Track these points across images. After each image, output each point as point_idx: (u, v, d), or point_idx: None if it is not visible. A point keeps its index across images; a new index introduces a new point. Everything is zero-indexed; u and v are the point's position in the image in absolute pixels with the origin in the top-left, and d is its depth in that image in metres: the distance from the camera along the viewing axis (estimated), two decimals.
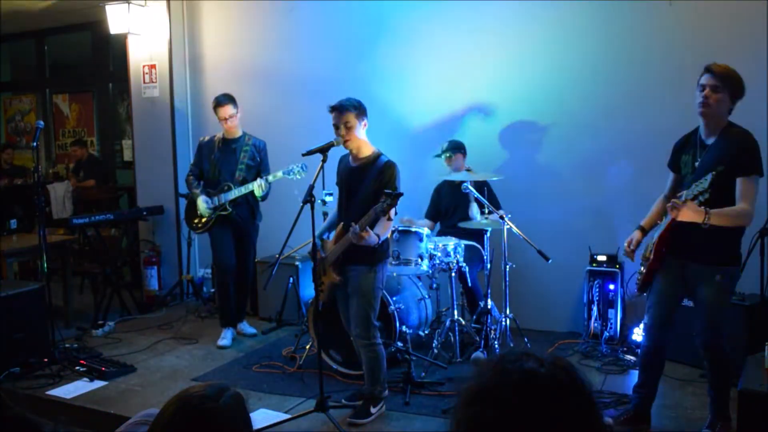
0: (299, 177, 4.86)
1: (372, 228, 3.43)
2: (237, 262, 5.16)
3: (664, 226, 3.16)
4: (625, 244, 3.41)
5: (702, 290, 3.14)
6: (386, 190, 3.35)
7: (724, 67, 3.06)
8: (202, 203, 5.00)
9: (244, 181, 4.98)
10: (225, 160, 5.05)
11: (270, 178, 4.90)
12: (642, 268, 3.40)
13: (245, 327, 5.33)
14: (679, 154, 3.33)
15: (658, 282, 3.28)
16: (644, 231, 3.41)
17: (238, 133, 5.10)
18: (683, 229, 3.03)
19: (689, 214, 2.89)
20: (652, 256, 3.23)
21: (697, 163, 3.15)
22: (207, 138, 5.23)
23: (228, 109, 4.96)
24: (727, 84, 3.03)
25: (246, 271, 5.26)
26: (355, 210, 3.57)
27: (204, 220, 5.07)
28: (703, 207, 2.88)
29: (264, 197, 4.98)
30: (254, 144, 5.11)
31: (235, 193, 4.94)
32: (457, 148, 4.86)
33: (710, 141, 3.13)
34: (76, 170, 7.88)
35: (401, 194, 3.32)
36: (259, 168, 5.12)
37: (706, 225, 2.88)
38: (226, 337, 5.07)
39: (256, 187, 4.87)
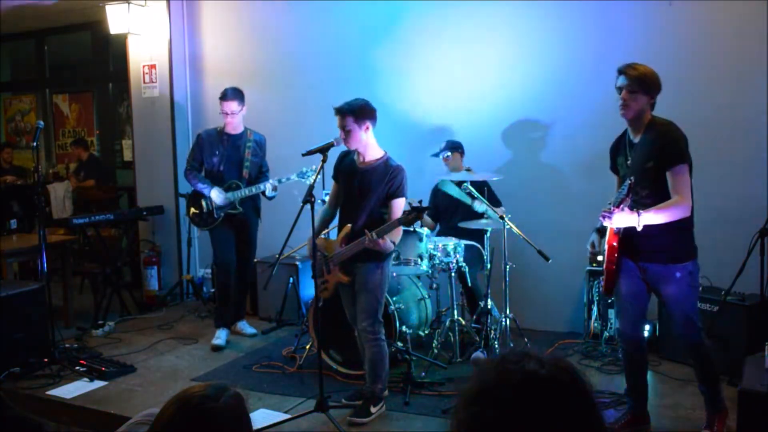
0: (309, 181, 4.79)
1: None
2: (238, 260, 5.12)
3: (607, 233, 3.17)
4: (589, 248, 3.46)
5: (665, 290, 3.16)
6: (414, 204, 3.38)
7: (635, 68, 3.11)
8: (218, 196, 4.86)
9: (251, 178, 4.95)
10: (230, 157, 4.96)
11: (283, 180, 4.89)
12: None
13: (245, 326, 5.29)
14: (614, 156, 3.38)
15: (621, 285, 3.29)
16: (602, 232, 3.41)
17: (241, 129, 5.02)
18: (631, 233, 3.05)
19: (621, 220, 2.95)
20: (605, 263, 3.23)
21: (629, 163, 3.19)
22: (209, 130, 5.13)
23: (232, 105, 4.87)
24: (641, 84, 3.07)
25: (247, 270, 5.21)
26: (362, 213, 3.59)
27: (215, 216, 4.95)
28: (634, 210, 2.93)
29: (273, 197, 4.96)
30: (255, 139, 5.05)
31: (246, 192, 4.89)
32: (454, 148, 4.87)
33: (637, 139, 3.17)
34: (77, 171, 7.88)
35: (428, 208, 3.35)
36: (261, 163, 5.08)
37: (640, 227, 2.91)
38: (220, 337, 5.02)
39: (270, 188, 4.85)
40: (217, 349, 4.93)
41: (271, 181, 4.88)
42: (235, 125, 4.95)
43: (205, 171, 5.01)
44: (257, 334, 5.22)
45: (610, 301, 4.74)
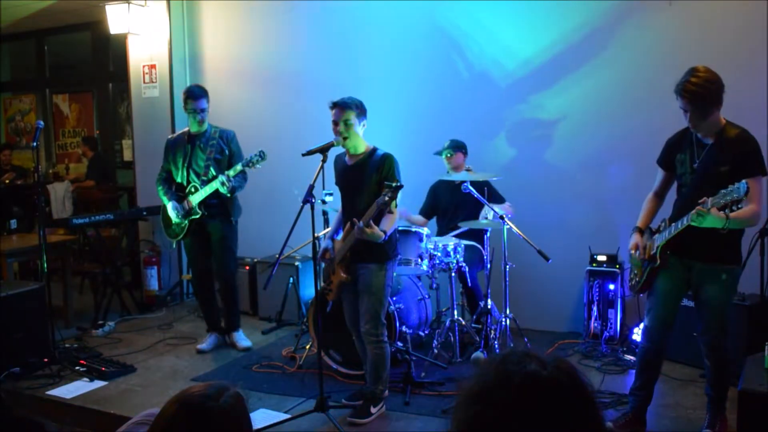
0: (260, 166, 4.57)
1: (377, 224, 3.46)
2: (217, 268, 4.89)
3: (675, 231, 3.09)
4: (633, 251, 3.33)
5: (708, 290, 3.14)
6: (386, 182, 3.36)
7: (693, 85, 2.96)
8: (172, 211, 4.71)
9: (213, 179, 4.66)
10: (193, 158, 4.74)
11: (230, 172, 4.56)
12: (635, 270, 3.38)
13: (240, 338, 4.97)
14: (672, 152, 3.29)
15: (660, 283, 3.26)
16: (642, 232, 3.38)
17: (204, 127, 4.77)
18: (689, 229, 3.01)
19: (712, 220, 2.84)
20: (659, 260, 3.20)
21: (696, 164, 3.14)
22: (175, 135, 4.94)
23: (201, 102, 4.70)
24: (705, 101, 2.97)
25: (226, 277, 4.92)
26: (359, 206, 3.58)
27: (182, 226, 4.77)
28: (723, 212, 2.81)
29: (232, 191, 4.64)
30: (221, 136, 4.78)
31: (201, 194, 4.65)
32: (457, 147, 4.86)
33: (708, 141, 3.12)
34: (89, 172, 7.88)
35: (402, 186, 3.33)
36: (231, 161, 4.77)
37: (725, 230, 2.86)
38: (206, 341, 4.91)
39: (219, 184, 4.54)
40: (201, 353, 4.84)
41: (220, 176, 4.55)
42: (202, 124, 4.75)
43: (173, 176, 4.85)
44: (251, 348, 4.90)
45: (610, 300, 4.75)
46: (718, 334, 3.16)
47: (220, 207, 4.78)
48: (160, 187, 4.85)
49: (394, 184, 3.31)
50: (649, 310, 3.33)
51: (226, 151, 4.78)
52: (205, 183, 4.66)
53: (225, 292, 4.97)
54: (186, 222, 4.74)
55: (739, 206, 2.81)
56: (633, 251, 3.35)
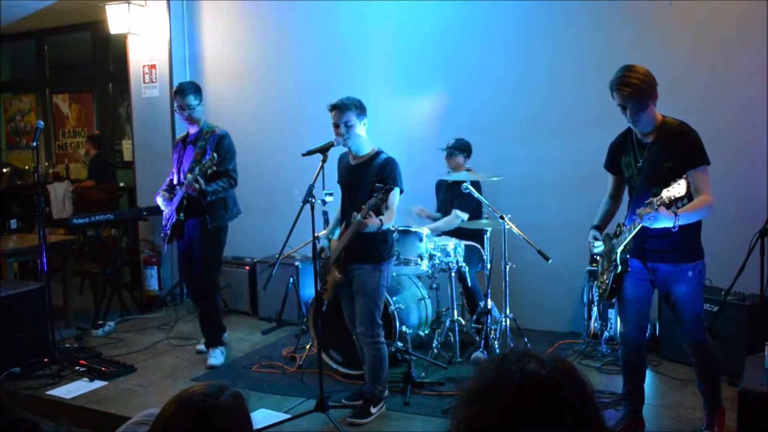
0: (210, 171, 4.19)
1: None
2: (195, 282, 4.62)
3: (630, 236, 3.08)
4: (593, 240, 3.34)
5: (676, 290, 3.14)
6: (377, 184, 3.37)
7: (629, 81, 2.97)
8: (161, 201, 4.58)
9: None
10: (183, 161, 4.56)
11: (189, 177, 4.21)
12: (601, 277, 3.37)
13: (213, 354, 4.61)
14: (617, 155, 3.30)
15: (628, 288, 3.25)
16: (600, 229, 3.38)
17: (195, 129, 4.55)
18: (645, 232, 3.02)
19: (663, 220, 2.85)
20: (620, 266, 3.18)
21: (639, 164, 3.14)
22: (181, 136, 4.77)
23: (187, 99, 4.41)
24: (643, 96, 2.97)
25: (202, 288, 4.59)
26: (358, 208, 3.58)
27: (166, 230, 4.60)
28: (671, 210, 2.85)
29: (203, 194, 4.24)
30: (210, 138, 4.48)
31: (176, 200, 4.43)
32: (458, 148, 4.85)
33: (648, 139, 3.12)
34: (90, 171, 7.89)
35: (392, 188, 3.34)
36: (220, 165, 4.35)
37: (675, 228, 2.86)
38: (214, 356, 4.63)
39: (187, 186, 4.20)
40: (199, 352, 4.79)
41: (189, 175, 4.23)
42: (187, 122, 4.52)
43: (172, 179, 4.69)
44: (218, 367, 4.55)
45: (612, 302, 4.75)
46: (696, 330, 3.16)
47: (199, 210, 4.41)
48: (162, 187, 4.74)
49: (384, 186, 3.33)
50: (622, 316, 3.35)
51: (215, 155, 4.29)
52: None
53: (201, 305, 4.70)
54: (169, 226, 4.56)
55: (684, 202, 2.84)
56: (593, 240, 3.33)
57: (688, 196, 2.92)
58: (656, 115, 3.09)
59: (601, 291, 3.41)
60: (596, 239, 3.34)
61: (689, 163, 2.97)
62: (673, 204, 2.83)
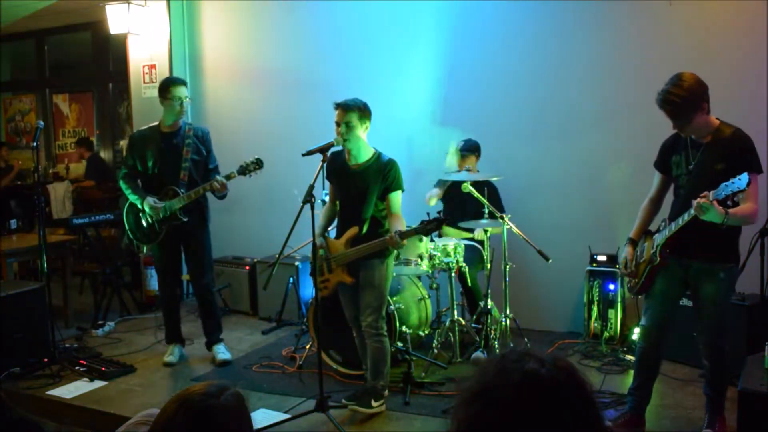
0: (257, 173, 4.35)
1: (389, 225, 3.62)
2: (196, 278, 4.62)
3: (675, 228, 3.09)
4: (622, 266, 3.38)
5: (706, 289, 3.14)
6: (438, 216, 3.46)
7: (672, 96, 2.97)
8: (150, 210, 4.33)
9: (192, 181, 4.40)
10: (166, 158, 4.40)
11: (222, 178, 4.30)
12: (637, 270, 3.37)
13: (218, 351, 4.65)
14: (668, 154, 3.30)
15: (659, 284, 3.26)
16: (634, 243, 3.39)
17: (179, 124, 4.45)
18: (688, 228, 3.02)
19: (713, 214, 2.83)
20: (659, 259, 3.19)
21: (691, 165, 3.14)
22: (142, 130, 4.54)
23: (185, 90, 4.41)
24: (687, 108, 2.98)
25: (204, 287, 4.63)
26: (364, 214, 3.63)
27: (156, 230, 4.43)
28: (722, 207, 2.83)
29: (223, 196, 4.41)
30: (196, 135, 4.46)
31: (185, 199, 4.33)
32: (470, 150, 4.84)
33: (703, 141, 3.12)
34: (87, 172, 7.88)
35: (446, 220, 3.46)
36: (206, 161, 4.50)
37: (724, 226, 2.86)
38: (173, 354, 4.65)
39: (218, 186, 4.27)
40: (169, 366, 4.59)
41: (218, 177, 4.30)
42: (174, 120, 4.43)
43: (140, 176, 4.49)
44: (230, 362, 4.63)
45: (610, 300, 4.75)
46: (716, 333, 3.16)
47: (199, 213, 4.51)
48: (127, 184, 4.46)
49: (440, 218, 3.43)
50: (647, 310, 3.34)
51: (203, 152, 4.48)
52: (185, 186, 4.37)
53: (207, 305, 4.69)
54: (165, 227, 4.41)
55: (737, 201, 2.83)
56: (622, 267, 3.38)
57: (735, 201, 2.91)
58: (710, 120, 3.09)
59: (631, 284, 3.41)
60: (625, 265, 3.37)
61: (741, 167, 2.91)
62: (728, 199, 2.82)
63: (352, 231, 3.67)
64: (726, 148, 3.03)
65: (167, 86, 4.39)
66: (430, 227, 3.43)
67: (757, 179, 3.01)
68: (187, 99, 4.45)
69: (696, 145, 3.14)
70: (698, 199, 2.86)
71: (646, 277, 3.27)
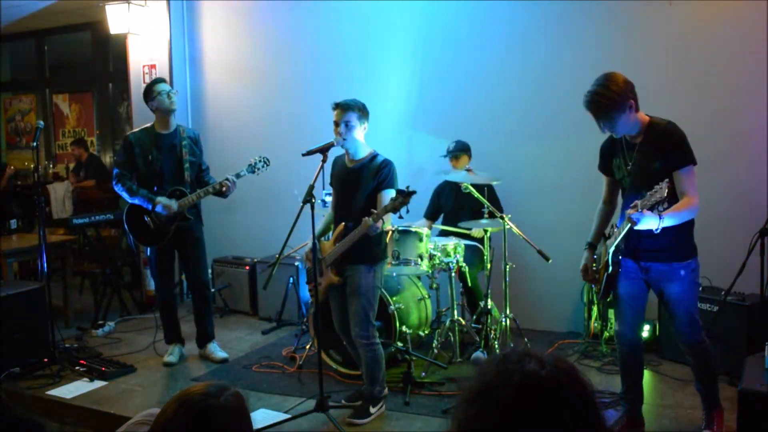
0: (264, 171, 4.45)
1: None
2: (193, 277, 4.67)
3: (620, 238, 3.08)
4: (582, 273, 3.37)
5: (669, 288, 3.14)
6: (399, 189, 3.38)
7: (595, 98, 2.96)
8: (167, 205, 4.33)
9: (192, 182, 4.46)
10: (167, 159, 4.43)
11: (233, 177, 4.37)
12: (597, 276, 3.37)
13: (215, 350, 4.71)
14: (608, 157, 3.31)
15: (622, 287, 3.25)
16: (594, 247, 3.40)
17: (173, 125, 4.49)
18: (636, 232, 3.01)
19: (646, 222, 2.85)
20: (612, 267, 3.19)
21: (629, 166, 3.14)
22: (136, 132, 4.57)
23: (166, 84, 4.44)
24: (612, 108, 2.96)
25: (203, 285, 4.68)
26: (354, 210, 3.59)
27: (161, 229, 4.41)
28: (654, 211, 2.85)
29: (228, 194, 4.47)
30: (189, 136, 4.54)
31: (194, 197, 4.37)
32: (462, 150, 4.86)
33: (637, 141, 3.12)
34: (76, 170, 7.89)
35: (414, 192, 3.34)
36: (199, 162, 4.59)
37: (658, 230, 2.86)
38: (173, 354, 4.68)
39: (231, 184, 4.34)
40: (168, 365, 4.60)
41: (229, 176, 4.34)
42: (168, 121, 4.45)
43: (140, 178, 4.48)
44: (227, 360, 4.68)
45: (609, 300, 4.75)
46: (691, 329, 3.16)
47: (197, 214, 4.60)
48: (125, 186, 4.42)
49: (407, 191, 3.33)
50: (617, 315, 3.35)
51: (197, 153, 4.58)
52: (189, 187, 4.41)
53: (202, 303, 4.71)
54: (173, 226, 4.42)
55: (665, 206, 2.85)
56: (582, 273, 3.38)
57: (670, 199, 2.91)
58: (639, 117, 3.08)
59: (596, 290, 3.42)
60: (585, 270, 3.37)
61: (675, 164, 2.98)
62: (657, 206, 2.84)
63: (339, 228, 3.67)
64: (659, 146, 3.03)
65: (149, 87, 4.44)
66: (397, 203, 3.32)
67: (692, 170, 3.01)
68: (174, 91, 4.46)
69: (630, 146, 3.15)
70: (628, 211, 2.89)
71: (606, 282, 3.26)
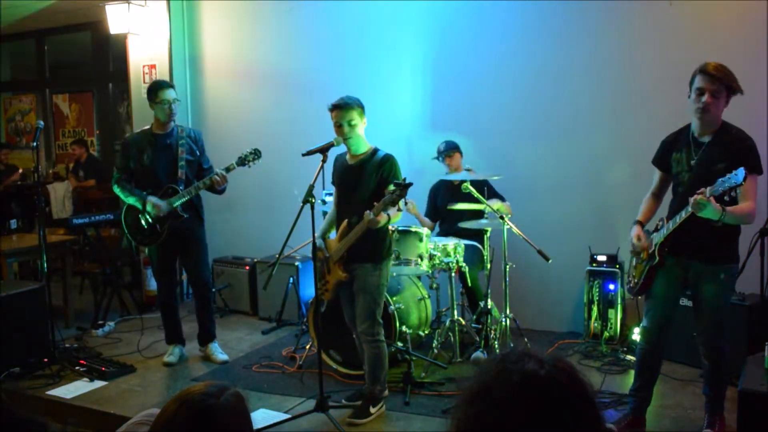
0: (255, 164, 4.41)
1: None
2: (194, 276, 4.68)
3: (673, 226, 3.09)
4: (635, 239, 3.30)
5: (705, 289, 3.14)
6: (395, 181, 3.38)
7: (718, 67, 3.02)
8: (152, 209, 4.33)
9: (188, 180, 4.44)
10: (161, 158, 4.43)
11: (223, 171, 4.34)
12: (634, 271, 3.37)
13: (216, 350, 4.71)
14: (668, 151, 3.30)
15: (658, 284, 3.26)
16: (642, 225, 3.38)
17: (170, 126, 4.50)
18: (687, 227, 3.01)
19: (710, 211, 2.83)
20: (657, 258, 3.19)
21: (693, 161, 3.13)
22: (134, 134, 4.61)
23: (173, 93, 4.43)
24: (728, 87, 3.01)
25: (204, 286, 4.68)
26: (358, 206, 3.59)
27: (155, 229, 4.40)
28: (720, 205, 2.83)
29: (223, 190, 4.47)
30: (189, 135, 4.53)
31: (186, 194, 4.35)
32: (455, 148, 4.87)
33: (705, 139, 3.12)
34: (75, 170, 7.89)
35: (411, 184, 3.33)
36: (200, 161, 4.57)
37: (720, 223, 2.85)
38: (173, 354, 4.68)
39: (219, 180, 4.32)
40: (168, 365, 4.61)
41: (218, 170, 4.34)
42: (166, 123, 4.47)
43: (136, 178, 4.50)
44: (228, 361, 4.67)
45: (610, 300, 4.75)
46: (715, 334, 3.16)
47: (195, 211, 4.56)
48: (122, 187, 4.46)
49: (403, 183, 3.31)
50: (648, 311, 3.33)
51: (197, 152, 4.55)
52: (183, 184, 4.40)
53: (205, 302, 4.72)
54: (167, 225, 4.39)
55: (734, 195, 2.84)
56: (636, 240, 3.31)
57: (733, 199, 2.91)
58: (720, 117, 3.09)
59: (631, 285, 3.40)
60: (638, 238, 3.30)
61: (743, 167, 2.89)
62: (725, 195, 2.82)
63: (343, 225, 3.67)
64: (728, 148, 3.03)
65: (155, 90, 4.43)
66: (395, 195, 3.31)
67: (756, 180, 3.00)
68: (176, 101, 4.46)
69: (698, 143, 3.14)
70: (695, 196, 2.86)
71: (645, 276, 3.27)
